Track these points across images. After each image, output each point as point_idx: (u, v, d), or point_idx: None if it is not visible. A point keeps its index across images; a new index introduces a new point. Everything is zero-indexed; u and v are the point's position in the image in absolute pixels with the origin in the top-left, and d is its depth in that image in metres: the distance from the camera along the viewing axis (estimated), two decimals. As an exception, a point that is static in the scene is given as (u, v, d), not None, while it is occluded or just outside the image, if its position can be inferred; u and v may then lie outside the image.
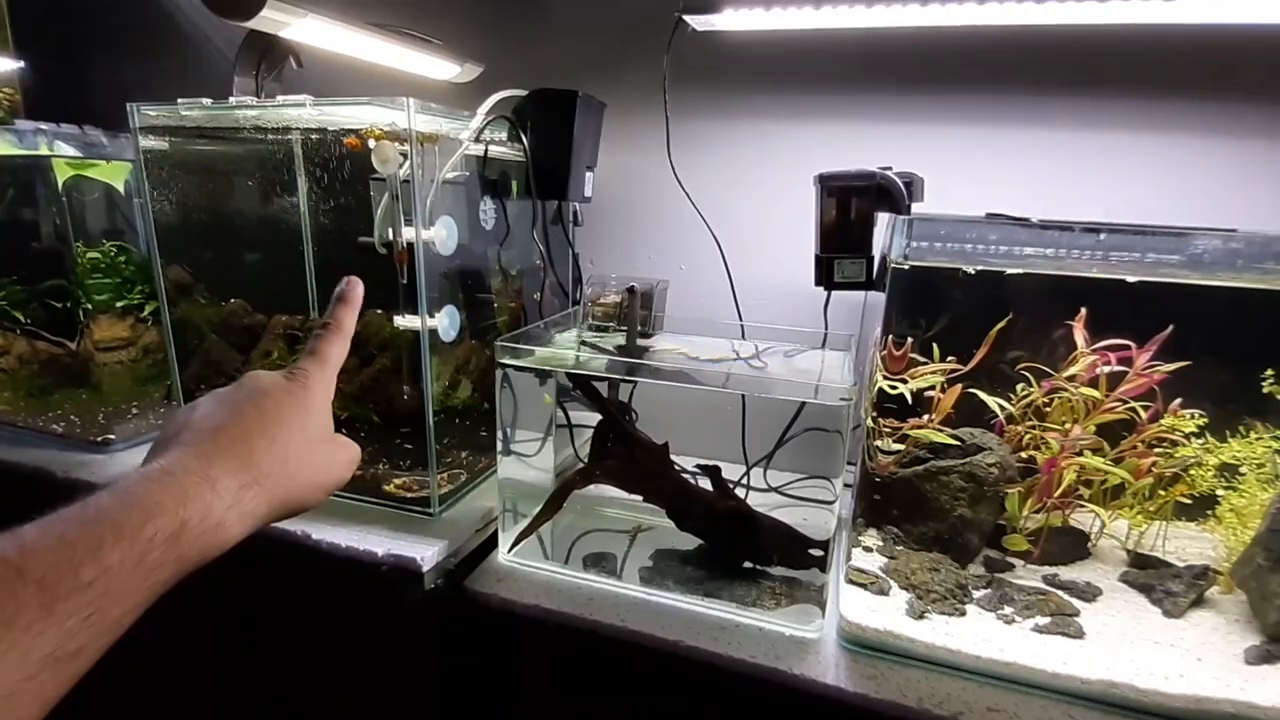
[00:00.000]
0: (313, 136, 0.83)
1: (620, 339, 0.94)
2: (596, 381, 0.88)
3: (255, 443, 0.39)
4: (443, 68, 1.08)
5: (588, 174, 0.95)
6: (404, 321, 0.77)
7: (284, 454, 0.40)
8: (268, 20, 0.77)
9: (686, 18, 0.83)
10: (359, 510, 0.85)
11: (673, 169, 1.03)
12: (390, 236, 0.76)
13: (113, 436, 1.02)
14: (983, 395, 0.80)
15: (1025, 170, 0.98)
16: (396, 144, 0.75)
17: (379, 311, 0.82)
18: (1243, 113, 0.90)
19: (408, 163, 0.74)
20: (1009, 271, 0.68)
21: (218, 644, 0.93)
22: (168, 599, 0.35)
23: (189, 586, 0.36)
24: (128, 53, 1.50)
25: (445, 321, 0.80)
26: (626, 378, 0.82)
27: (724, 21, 0.85)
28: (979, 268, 0.68)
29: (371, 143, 0.75)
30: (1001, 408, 0.80)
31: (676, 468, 0.86)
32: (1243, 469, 0.73)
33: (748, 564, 0.81)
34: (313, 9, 0.82)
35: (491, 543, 0.86)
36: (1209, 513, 0.75)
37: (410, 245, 0.75)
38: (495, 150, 0.91)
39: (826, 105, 1.03)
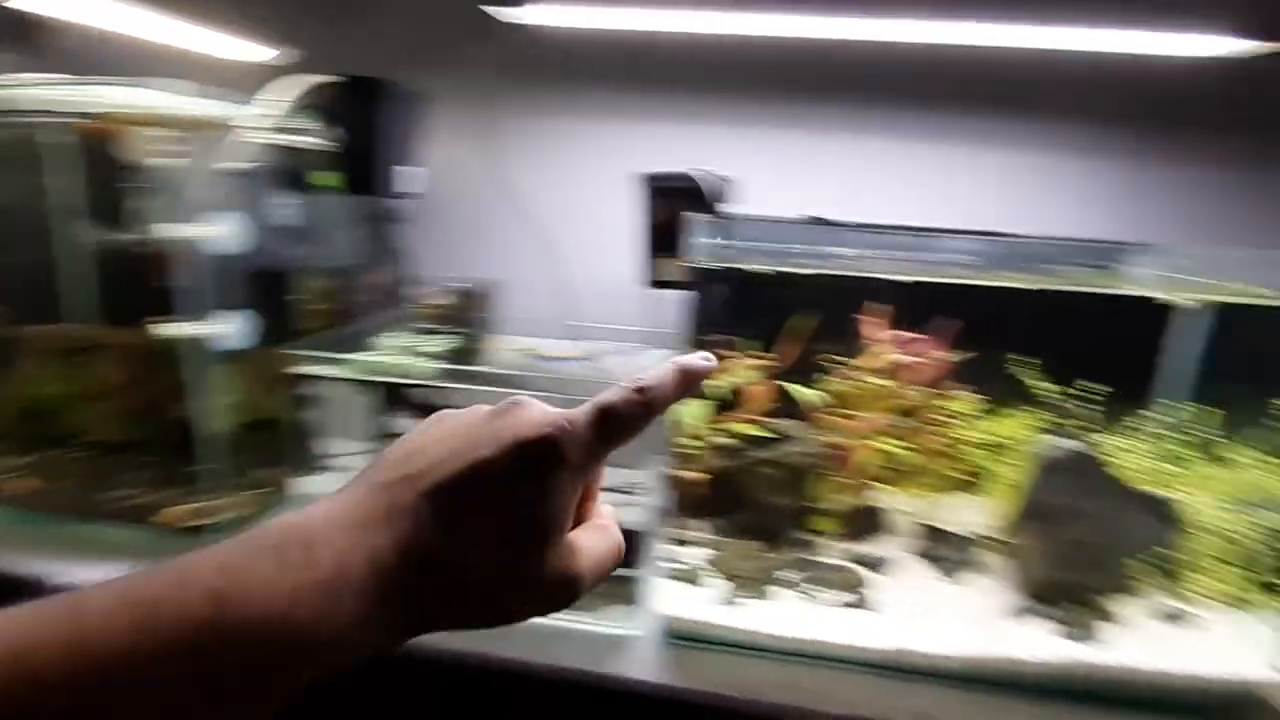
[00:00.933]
0: (61, 121, 0.72)
1: (452, 342, 0.90)
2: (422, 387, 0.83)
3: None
4: (248, 49, 0.99)
5: (411, 169, 0.91)
6: (171, 329, 0.69)
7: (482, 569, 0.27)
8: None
9: (489, 10, 0.81)
10: (124, 544, 0.75)
11: (502, 167, 1.00)
12: (157, 234, 0.68)
13: None
14: (789, 387, 0.84)
15: (843, 175, 1.05)
16: (164, 131, 0.67)
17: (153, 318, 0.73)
18: (1027, 129, 1.01)
19: (178, 152, 0.67)
20: (799, 272, 0.72)
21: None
22: None
23: None
24: None
25: (232, 328, 0.73)
26: (431, 384, 0.78)
27: (531, 16, 0.84)
28: (777, 269, 0.71)
29: (128, 130, 0.67)
30: (814, 398, 0.85)
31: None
32: (1011, 445, 0.82)
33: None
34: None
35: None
36: (983, 484, 0.84)
37: (176, 243, 0.67)
38: (301, 141, 0.84)
39: (656, 106, 1.05)
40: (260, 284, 0.80)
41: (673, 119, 1.04)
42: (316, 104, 0.86)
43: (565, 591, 0.28)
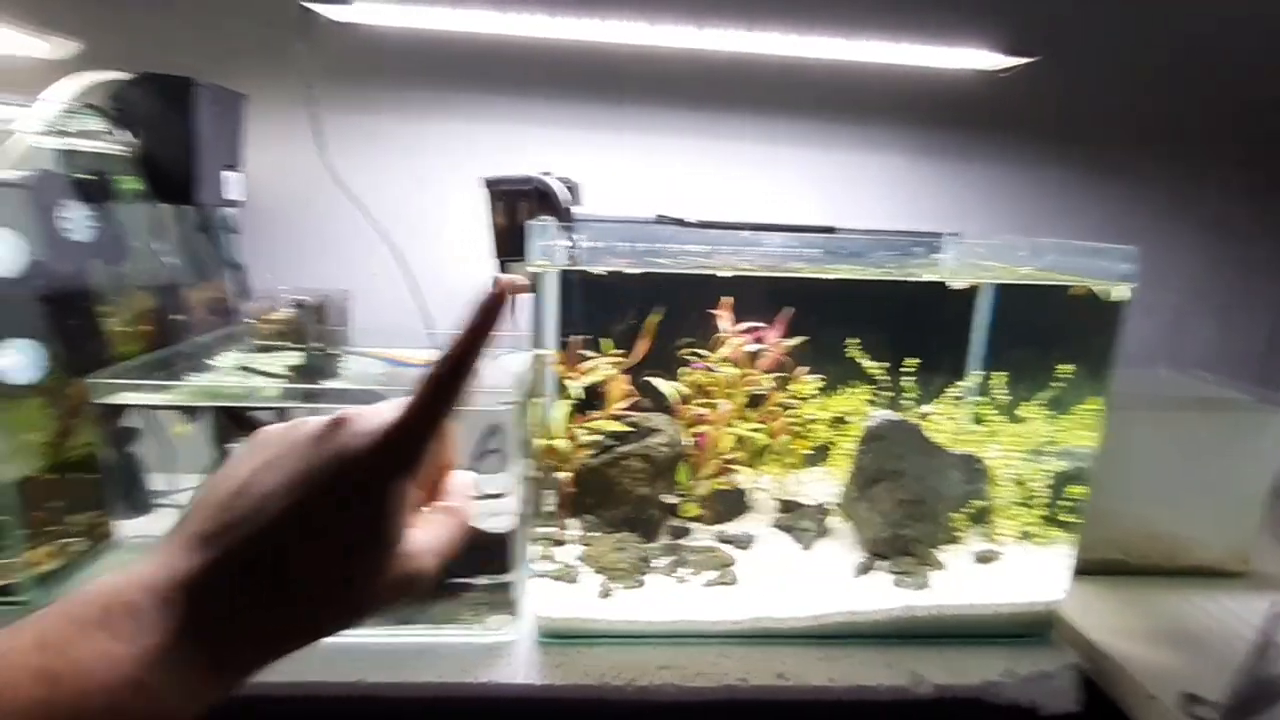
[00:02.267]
0: None
1: (294, 358, 0.85)
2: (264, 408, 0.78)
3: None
4: (20, 41, 0.86)
5: (228, 174, 0.83)
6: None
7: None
8: None
9: (317, 8, 0.77)
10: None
11: (336, 171, 0.95)
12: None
13: None
14: (656, 381, 0.87)
15: (686, 176, 1.09)
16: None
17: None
18: (839, 131, 1.10)
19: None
20: (628, 271, 0.74)
21: None
22: None
23: None
24: None
25: (14, 359, 0.64)
26: (272, 405, 0.73)
27: (359, 14, 0.80)
28: (609, 269, 0.73)
29: None
30: (675, 390, 0.88)
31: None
32: (849, 419, 0.89)
33: (445, 577, 0.79)
34: None
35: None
36: (830, 457, 0.91)
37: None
38: (96, 146, 0.75)
39: (497, 107, 1.04)
40: (55, 308, 0.70)
41: (513, 120, 1.04)
42: (114, 104, 0.77)
43: (409, 587, 0.29)
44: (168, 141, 0.76)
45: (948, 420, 0.89)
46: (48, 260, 0.67)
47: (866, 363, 0.85)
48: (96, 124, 0.74)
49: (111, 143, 0.75)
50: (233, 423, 0.74)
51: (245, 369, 0.78)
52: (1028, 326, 0.85)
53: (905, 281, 0.85)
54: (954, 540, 0.83)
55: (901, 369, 0.87)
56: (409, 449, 0.28)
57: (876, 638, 0.74)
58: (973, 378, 0.90)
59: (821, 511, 0.87)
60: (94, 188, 0.73)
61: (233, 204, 0.86)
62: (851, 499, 0.82)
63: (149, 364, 0.75)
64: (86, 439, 0.77)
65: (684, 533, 0.87)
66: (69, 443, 0.77)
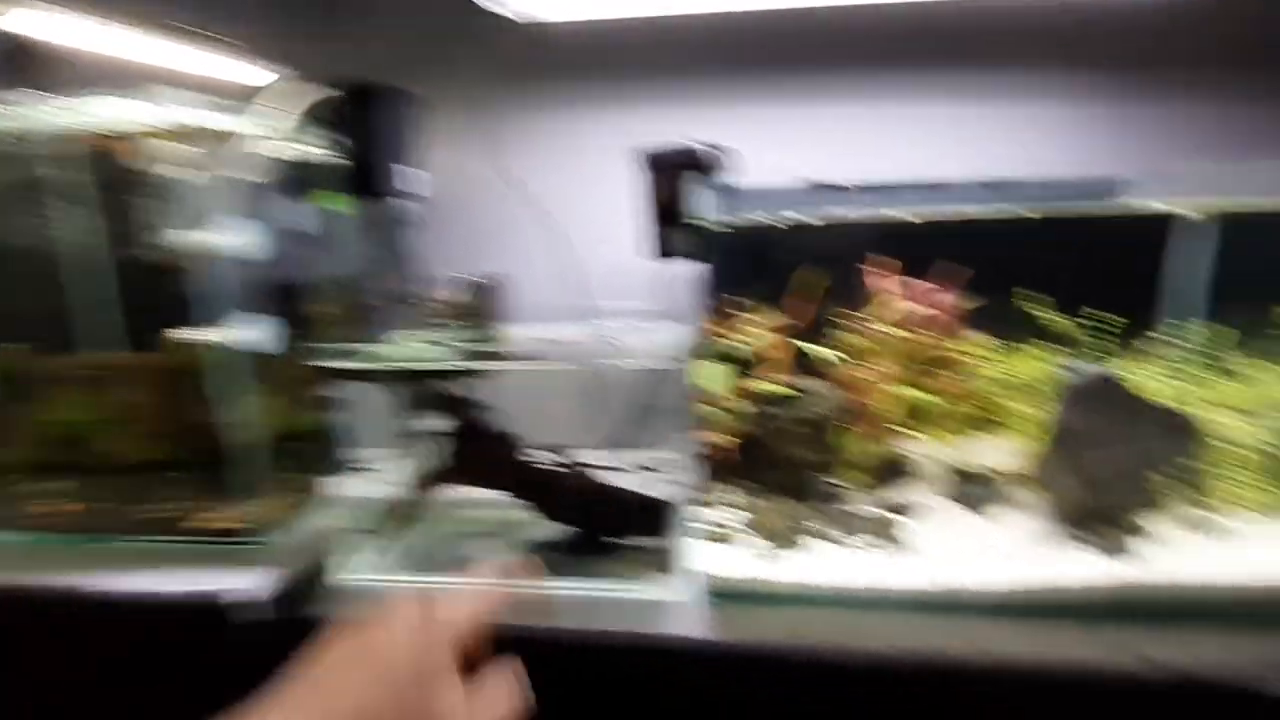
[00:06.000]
0: (63, 139, 0.73)
1: (467, 336, 0.91)
2: (446, 380, 0.84)
3: None
4: (243, 70, 1.00)
5: (414, 171, 0.92)
6: (192, 336, 0.69)
7: None
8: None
9: (504, 3, 0.83)
10: (167, 552, 0.76)
11: (501, 161, 1.02)
12: (173, 244, 0.69)
13: None
14: (805, 346, 0.85)
15: (830, 139, 1.07)
16: (175, 142, 0.68)
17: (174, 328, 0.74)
18: (1008, 81, 1.03)
19: (190, 163, 0.68)
20: (809, 221, 0.73)
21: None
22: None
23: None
24: None
25: (255, 333, 0.73)
26: (452, 369, 0.80)
27: (541, 8, 0.85)
28: (783, 217, 0.73)
29: (140, 143, 0.67)
30: (823, 354, 0.86)
31: (529, 455, 0.84)
32: (1027, 381, 0.83)
33: (610, 539, 0.81)
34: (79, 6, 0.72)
35: (336, 564, 0.80)
36: (1004, 423, 0.85)
37: (194, 252, 0.68)
38: (309, 153, 0.85)
39: (652, 91, 1.07)
40: (277, 292, 0.80)
41: (659, 99, 1.06)
42: (318, 114, 0.87)
43: None
44: (364, 143, 0.85)
45: (1148, 376, 0.80)
46: (275, 251, 0.77)
47: (1048, 316, 0.78)
48: (309, 133, 0.84)
49: (321, 149, 0.85)
50: (420, 396, 0.81)
51: (429, 344, 0.85)
52: (1253, 265, 0.75)
53: (1085, 225, 0.77)
54: (1159, 508, 0.74)
55: (1088, 322, 0.79)
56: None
57: (1082, 613, 0.67)
58: (1173, 327, 0.80)
59: (998, 477, 0.81)
60: (307, 189, 0.83)
61: (413, 198, 0.95)
62: (1044, 464, 0.76)
63: (352, 340, 0.83)
64: (297, 409, 0.86)
65: (845, 498, 0.84)
66: (284, 412, 0.87)
